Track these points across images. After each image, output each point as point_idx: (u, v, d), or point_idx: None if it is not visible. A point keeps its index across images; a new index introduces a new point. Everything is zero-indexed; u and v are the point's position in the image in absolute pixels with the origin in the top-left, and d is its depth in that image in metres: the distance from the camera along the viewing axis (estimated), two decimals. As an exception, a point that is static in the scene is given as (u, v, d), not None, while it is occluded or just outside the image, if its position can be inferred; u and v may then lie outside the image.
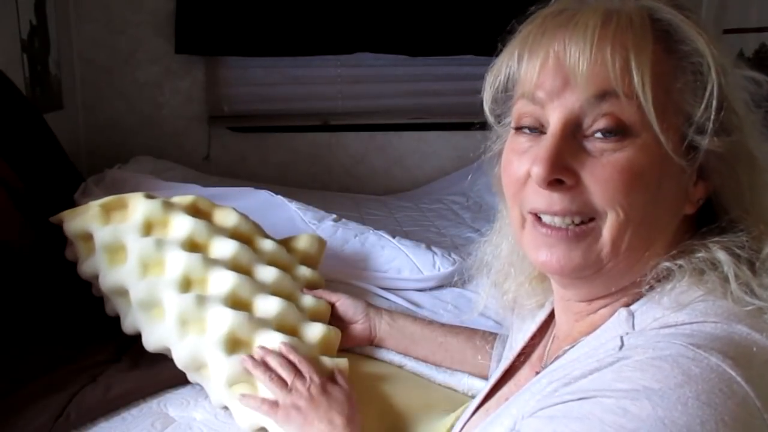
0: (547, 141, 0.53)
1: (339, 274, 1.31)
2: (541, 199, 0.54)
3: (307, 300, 1.02)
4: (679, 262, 0.53)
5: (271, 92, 2.70)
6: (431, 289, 1.34)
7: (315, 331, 0.94)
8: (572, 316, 0.62)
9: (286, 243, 1.16)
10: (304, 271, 1.11)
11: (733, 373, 0.43)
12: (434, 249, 1.41)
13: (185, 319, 0.90)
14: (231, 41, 2.51)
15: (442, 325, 1.05)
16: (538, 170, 0.52)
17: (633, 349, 0.47)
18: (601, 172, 0.52)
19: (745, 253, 0.52)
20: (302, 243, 1.17)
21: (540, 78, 0.54)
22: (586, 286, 0.58)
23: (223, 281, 0.95)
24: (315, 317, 0.99)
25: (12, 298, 1.09)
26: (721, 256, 0.52)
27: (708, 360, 0.44)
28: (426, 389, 0.96)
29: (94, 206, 1.04)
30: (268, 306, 0.94)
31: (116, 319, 1.03)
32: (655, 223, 0.53)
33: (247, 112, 2.71)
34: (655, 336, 0.48)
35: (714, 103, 0.52)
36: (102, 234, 1.01)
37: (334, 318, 1.05)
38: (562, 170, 0.52)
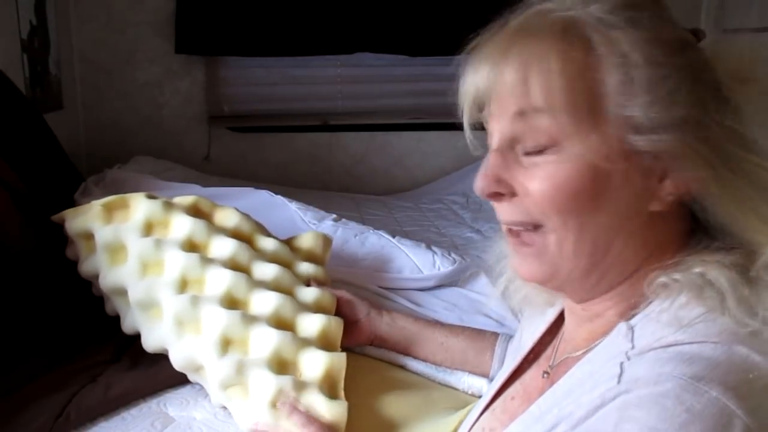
0: (486, 158, 0.58)
1: (339, 273, 1.31)
2: (497, 210, 0.59)
3: (309, 294, 1.01)
4: (676, 276, 0.53)
5: (271, 92, 2.70)
6: (431, 288, 1.34)
7: (314, 325, 0.93)
8: (575, 319, 0.63)
9: (290, 242, 1.16)
10: (307, 267, 1.10)
11: (734, 407, 0.44)
12: (434, 248, 1.41)
13: (181, 320, 0.90)
14: (231, 41, 2.51)
15: (443, 325, 1.05)
16: (477, 185, 0.57)
17: (633, 381, 0.48)
18: (530, 185, 0.55)
19: (740, 272, 0.51)
20: (306, 241, 1.17)
21: (479, 101, 0.59)
22: (569, 290, 0.60)
23: (220, 280, 0.94)
24: (318, 310, 0.98)
25: (12, 299, 1.09)
26: (717, 274, 0.51)
27: (709, 394, 0.44)
28: (427, 388, 0.96)
29: (96, 205, 1.04)
30: (264, 302, 0.94)
31: (116, 319, 1.04)
32: (605, 227, 0.54)
33: (247, 112, 2.71)
34: (655, 363, 0.48)
35: (645, 100, 0.51)
36: (103, 233, 1.01)
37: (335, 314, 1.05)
38: (496, 183, 0.56)
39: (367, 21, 2.56)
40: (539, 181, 0.54)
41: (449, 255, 1.38)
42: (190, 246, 1.00)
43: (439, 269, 1.34)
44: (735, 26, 2.50)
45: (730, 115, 0.52)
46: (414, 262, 1.35)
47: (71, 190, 1.62)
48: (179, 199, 1.08)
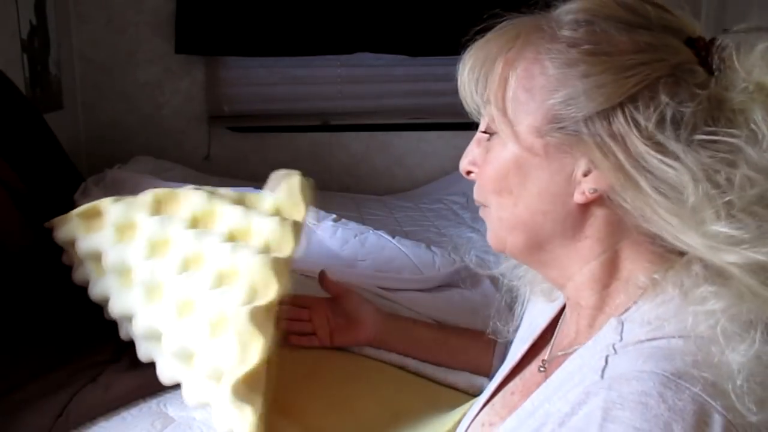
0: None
1: (338, 274, 1.31)
2: None
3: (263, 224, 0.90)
4: (655, 276, 0.55)
5: (271, 92, 2.71)
6: (431, 289, 1.33)
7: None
8: (568, 310, 0.66)
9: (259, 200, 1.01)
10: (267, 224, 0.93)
11: (714, 403, 0.45)
12: (434, 249, 1.40)
13: (152, 334, 0.89)
14: (231, 41, 2.52)
15: (443, 325, 1.05)
16: (460, 164, 0.67)
17: (616, 379, 0.48)
18: (483, 167, 0.64)
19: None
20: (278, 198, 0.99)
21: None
22: (532, 266, 0.68)
23: (178, 284, 0.90)
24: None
25: (12, 298, 1.09)
26: (686, 272, 0.53)
27: (689, 390, 0.45)
28: (428, 388, 0.96)
29: (73, 216, 1.02)
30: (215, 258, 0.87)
31: (115, 320, 1.04)
32: (532, 210, 0.60)
33: (247, 112, 2.71)
34: (637, 358, 0.49)
35: (563, 95, 0.55)
36: (83, 244, 1.00)
37: (337, 311, 1.04)
38: (468, 163, 0.66)
39: (367, 21, 2.56)
40: (486, 164, 0.63)
41: (449, 256, 1.38)
42: (153, 248, 0.95)
43: (439, 270, 1.33)
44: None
45: (662, 119, 0.53)
46: (414, 263, 1.35)
47: (71, 190, 1.62)
48: (140, 197, 1.03)
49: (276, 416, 0.85)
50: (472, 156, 0.66)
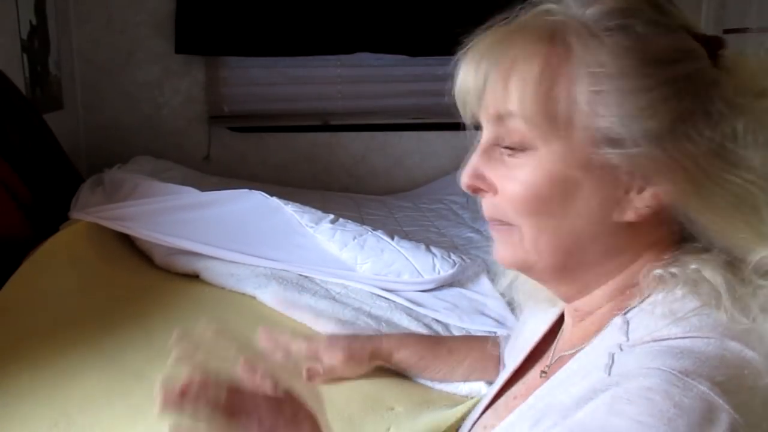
0: (472, 154, 0.59)
1: (338, 277, 1.32)
2: (482, 204, 0.61)
3: None
4: (672, 270, 0.53)
5: (271, 92, 2.70)
6: (431, 289, 1.33)
7: None
8: (570, 319, 0.64)
9: None
10: None
11: (721, 401, 0.44)
12: (434, 251, 1.40)
13: None
14: (231, 41, 2.51)
15: (438, 340, 1.03)
16: (461, 179, 0.59)
17: (623, 374, 0.48)
18: (508, 185, 0.56)
19: (732, 272, 0.52)
20: None
21: (469, 99, 0.59)
22: (547, 284, 0.62)
23: None
24: None
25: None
26: (712, 272, 0.51)
27: (697, 388, 0.44)
28: (426, 389, 0.96)
29: None
30: None
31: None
32: (577, 232, 0.55)
33: (247, 112, 2.71)
34: (645, 357, 0.48)
35: (619, 113, 0.51)
36: None
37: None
38: (477, 180, 0.58)
39: (367, 21, 2.56)
40: (513, 182, 0.56)
41: (449, 257, 1.38)
42: None
43: (439, 273, 1.33)
44: (735, 26, 2.50)
45: (723, 129, 0.51)
46: (414, 265, 1.34)
47: (71, 191, 1.62)
48: None
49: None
50: (478, 168, 0.58)
